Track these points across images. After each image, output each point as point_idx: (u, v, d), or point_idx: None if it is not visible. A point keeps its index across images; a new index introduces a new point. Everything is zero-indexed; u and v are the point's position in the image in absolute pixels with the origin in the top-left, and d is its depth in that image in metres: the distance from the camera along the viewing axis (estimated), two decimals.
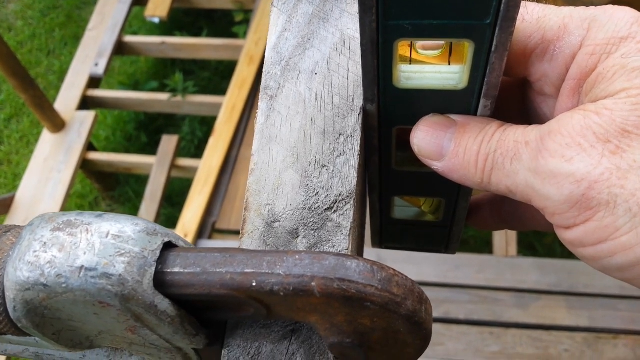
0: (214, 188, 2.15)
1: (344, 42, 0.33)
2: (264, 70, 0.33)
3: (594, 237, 0.25)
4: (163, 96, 2.39)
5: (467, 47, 0.27)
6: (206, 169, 2.17)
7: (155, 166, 2.28)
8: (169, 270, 0.25)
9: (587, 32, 0.27)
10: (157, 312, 0.25)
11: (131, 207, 2.56)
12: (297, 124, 0.31)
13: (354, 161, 0.30)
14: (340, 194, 0.30)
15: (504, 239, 1.98)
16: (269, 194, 0.30)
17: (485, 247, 2.22)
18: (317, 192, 0.30)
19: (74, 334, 0.28)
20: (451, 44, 0.29)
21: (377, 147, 0.34)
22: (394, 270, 0.25)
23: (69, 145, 2.34)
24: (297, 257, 0.24)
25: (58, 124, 2.35)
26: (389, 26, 0.25)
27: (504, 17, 0.24)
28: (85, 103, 2.45)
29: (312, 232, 0.29)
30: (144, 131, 2.74)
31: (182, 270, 0.25)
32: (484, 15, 0.25)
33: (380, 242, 0.46)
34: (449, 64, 0.29)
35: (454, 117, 0.30)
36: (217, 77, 2.82)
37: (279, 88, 0.32)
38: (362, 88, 0.31)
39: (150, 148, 2.60)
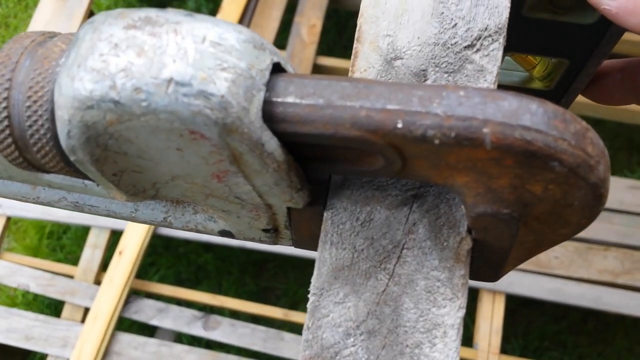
0: None
1: None
2: None
3: None
4: None
5: None
6: None
7: None
8: (280, 100, 0.19)
9: None
10: (263, 154, 0.19)
11: None
12: None
13: None
14: (485, 28, 0.23)
15: None
16: (389, 21, 0.23)
17: None
18: (455, 24, 0.23)
19: (139, 177, 0.21)
20: None
21: None
22: (586, 123, 0.18)
23: (70, 12, 2.17)
24: (461, 93, 0.18)
25: None
26: None
27: None
28: None
29: (446, 75, 0.23)
30: (147, 4, 2.55)
31: (298, 101, 0.18)
32: None
33: None
34: None
35: None
36: None
37: None
38: None
39: None
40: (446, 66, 0.23)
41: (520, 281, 1.83)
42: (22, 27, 2.49)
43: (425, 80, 0.23)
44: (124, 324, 1.61)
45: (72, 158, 0.20)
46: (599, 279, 1.81)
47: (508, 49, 0.31)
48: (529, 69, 0.34)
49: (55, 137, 0.20)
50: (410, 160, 0.19)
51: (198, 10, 2.42)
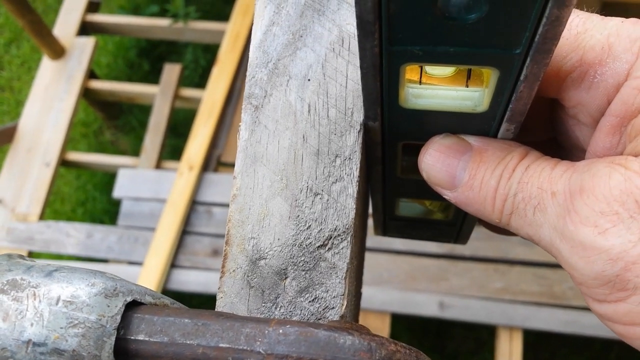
0: (219, 120, 2.10)
1: (342, 40, 0.27)
2: (247, 73, 0.28)
3: (626, 318, 0.21)
4: (164, 22, 2.29)
5: (491, 73, 0.22)
6: (210, 101, 2.11)
7: (159, 96, 2.22)
8: (132, 338, 0.22)
9: (636, 59, 0.22)
10: None
11: (135, 137, 2.53)
12: (287, 141, 0.27)
13: (352, 189, 0.26)
14: (335, 229, 0.26)
15: None
16: (253, 225, 0.26)
17: None
18: (309, 226, 0.26)
19: None
20: (470, 69, 0.24)
21: (380, 159, 0.29)
22: (395, 344, 0.21)
23: (69, 73, 2.27)
24: (280, 331, 0.21)
25: (58, 51, 2.28)
26: (395, 51, 0.20)
27: (539, 49, 0.19)
28: (85, 28, 2.37)
29: (303, 272, 0.26)
30: (146, 58, 2.65)
31: (147, 339, 0.22)
32: (513, 45, 0.19)
33: (384, 232, 0.43)
34: (467, 87, 0.24)
35: (469, 139, 0.26)
36: (219, 1, 2.69)
37: (265, 97, 0.27)
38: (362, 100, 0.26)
39: (153, 76, 2.53)
40: (303, 265, 0.26)
41: (535, 315, 1.82)
42: (26, 89, 2.59)
43: (286, 278, 0.26)
44: None
45: None
46: None
47: (397, 197, 0.34)
48: (424, 205, 0.37)
49: None
50: None
51: (196, 61, 2.50)
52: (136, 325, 0.22)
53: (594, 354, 2.06)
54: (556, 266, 1.84)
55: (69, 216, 2.44)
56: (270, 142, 0.27)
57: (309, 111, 0.27)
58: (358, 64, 0.27)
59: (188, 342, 0.21)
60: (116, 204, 2.25)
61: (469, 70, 0.24)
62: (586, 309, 1.78)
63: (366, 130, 0.27)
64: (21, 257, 0.24)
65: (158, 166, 2.15)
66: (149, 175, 2.09)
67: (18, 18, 2.18)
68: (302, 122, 0.27)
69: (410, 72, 0.24)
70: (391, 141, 0.27)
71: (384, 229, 0.41)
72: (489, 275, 1.89)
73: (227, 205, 1.99)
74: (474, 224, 0.37)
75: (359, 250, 0.30)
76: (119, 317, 0.22)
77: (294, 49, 0.27)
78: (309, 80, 0.27)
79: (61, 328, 0.21)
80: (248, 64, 0.28)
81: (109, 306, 0.22)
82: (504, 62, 0.20)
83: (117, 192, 2.03)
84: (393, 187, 0.33)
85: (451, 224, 0.38)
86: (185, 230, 1.95)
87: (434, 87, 0.24)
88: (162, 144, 2.19)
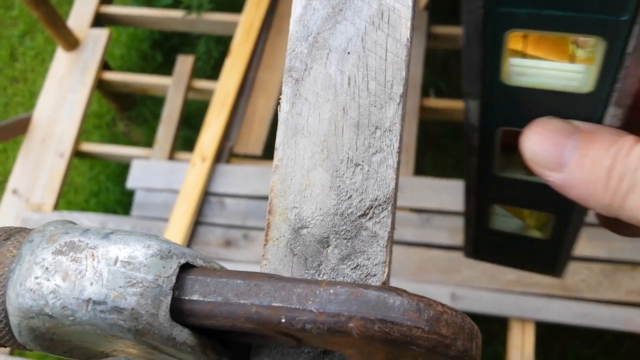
0: (231, 111, 2.11)
1: (382, 13, 0.28)
2: (288, 47, 0.28)
3: None
4: (177, 14, 2.30)
5: (597, 48, 0.22)
6: (223, 92, 2.12)
7: (172, 87, 2.23)
8: (187, 298, 0.23)
9: None
10: (176, 344, 0.22)
11: (148, 129, 2.54)
12: (327, 113, 0.28)
13: (392, 160, 0.27)
14: (376, 199, 0.26)
15: None
16: (295, 195, 0.27)
17: None
18: (350, 196, 0.27)
19: (87, 351, 0.26)
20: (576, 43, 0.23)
21: (477, 148, 0.29)
22: (442, 305, 0.22)
23: (84, 64, 2.29)
24: (331, 291, 0.21)
25: (72, 42, 2.30)
26: (500, 15, 0.21)
27: None
28: (99, 20, 2.38)
29: (345, 241, 0.26)
30: (159, 50, 2.66)
31: (201, 299, 0.22)
32: (619, 10, 0.19)
33: (475, 252, 0.41)
34: (572, 62, 0.24)
35: (576, 123, 0.25)
36: None
37: (305, 70, 0.28)
38: (402, 72, 0.27)
39: (166, 68, 2.54)
40: (345, 233, 0.26)
41: (547, 307, 1.81)
42: (40, 81, 2.61)
43: (328, 246, 0.26)
44: None
45: (27, 347, 0.24)
46: (628, 300, 1.77)
47: (492, 202, 0.34)
48: (521, 218, 0.36)
49: (12, 332, 0.24)
50: (303, 339, 0.23)
51: (209, 53, 2.51)
52: (190, 286, 0.23)
53: (606, 346, 2.06)
54: None
55: (83, 207, 2.46)
56: (310, 114, 0.28)
57: (348, 84, 0.28)
58: (397, 37, 0.27)
59: (241, 301, 0.22)
60: (129, 194, 2.26)
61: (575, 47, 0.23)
62: (599, 301, 1.77)
63: (465, 111, 0.27)
64: (73, 223, 0.25)
65: (171, 157, 2.16)
66: (162, 167, 2.10)
67: (33, 10, 2.20)
68: (342, 95, 0.27)
69: (513, 42, 0.23)
70: (490, 125, 0.27)
71: (475, 246, 0.40)
72: (501, 267, 1.89)
73: (239, 197, 2.01)
74: (574, 243, 0.36)
75: (394, 221, 0.30)
76: (174, 278, 0.22)
77: (333, 23, 0.28)
78: (348, 53, 0.28)
79: (120, 287, 0.21)
80: (288, 38, 0.28)
81: (164, 267, 0.22)
82: (611, 30, 0.20)
83: (131, 183, 2.04)
84: (489, 188, 0.32)
85: (549, 244, 0.36)
86: (197, 221, 1.96)
87: (537, 63, 0.24)
88: (175, 135, 2.20)
